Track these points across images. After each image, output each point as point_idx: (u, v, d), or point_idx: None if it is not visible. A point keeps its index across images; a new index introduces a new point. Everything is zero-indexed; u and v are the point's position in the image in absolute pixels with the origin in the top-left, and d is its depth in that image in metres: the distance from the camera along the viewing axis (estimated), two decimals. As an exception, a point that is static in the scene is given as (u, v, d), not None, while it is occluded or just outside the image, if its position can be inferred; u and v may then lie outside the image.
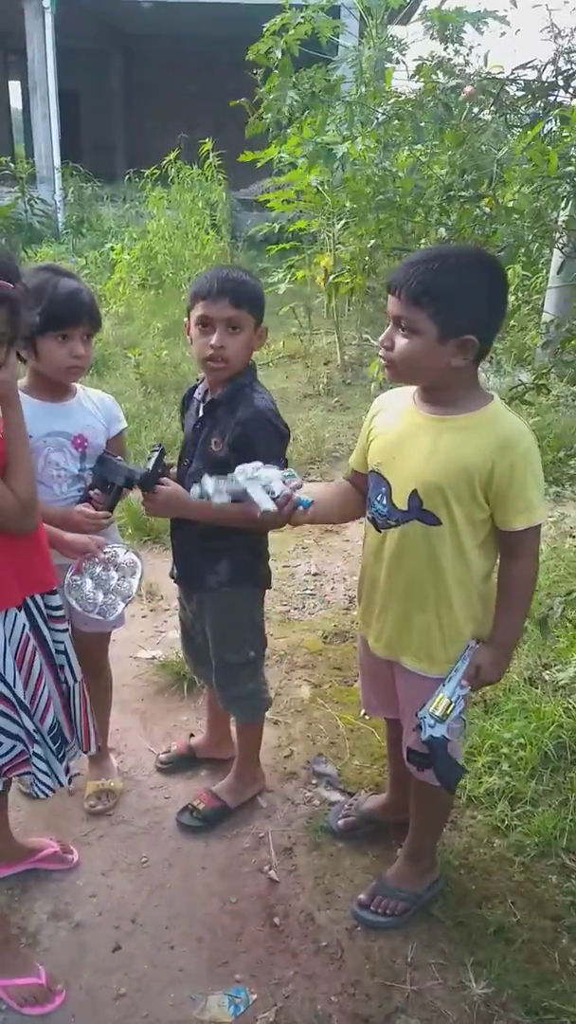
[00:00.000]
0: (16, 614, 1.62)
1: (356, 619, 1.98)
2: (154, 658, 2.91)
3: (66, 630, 1.75)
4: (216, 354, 1.89)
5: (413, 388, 1.76)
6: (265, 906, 1.98)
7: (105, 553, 1.97)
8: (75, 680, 1.78)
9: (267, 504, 1.71)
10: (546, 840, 2.12)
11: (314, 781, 2.38)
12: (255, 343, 1.96)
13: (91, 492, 2.00)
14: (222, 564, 2.01)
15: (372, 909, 1.93)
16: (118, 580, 1.98)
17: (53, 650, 1.73)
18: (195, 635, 2.22)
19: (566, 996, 1.76)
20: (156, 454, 1.93)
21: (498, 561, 1.73)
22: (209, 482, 1.72)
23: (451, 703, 1.69)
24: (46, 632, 1.70)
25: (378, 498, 1.73)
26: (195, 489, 1.74)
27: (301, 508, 1.76)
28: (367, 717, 2.58)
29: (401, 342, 1.60)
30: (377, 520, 1.75)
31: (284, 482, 1.74)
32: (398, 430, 1.72)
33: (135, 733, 2.57)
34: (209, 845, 2.15)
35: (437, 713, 1.68)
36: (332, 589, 3.47)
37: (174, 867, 2.09)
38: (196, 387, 2.10)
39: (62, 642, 1.74)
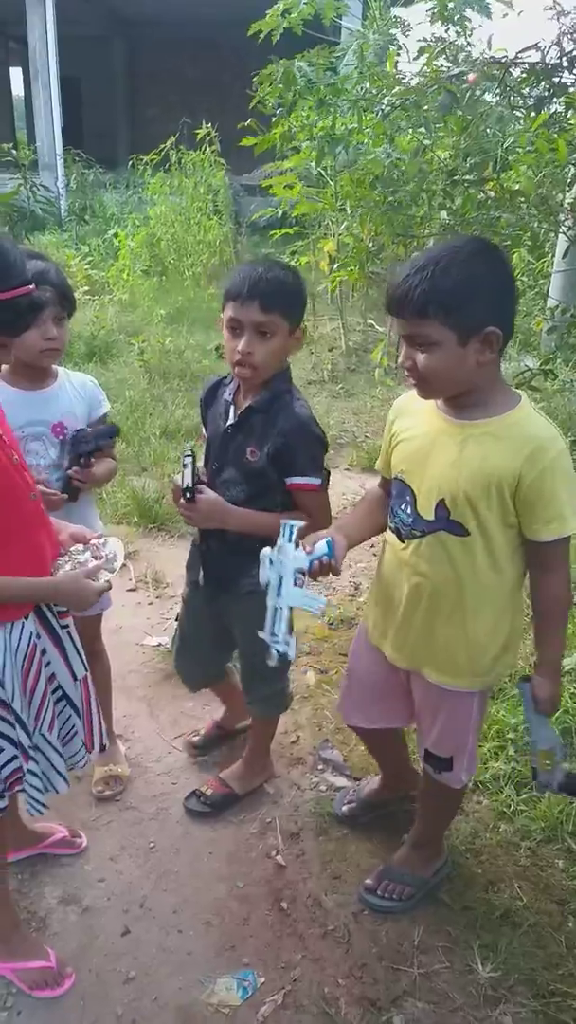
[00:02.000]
0: (23, 624, 1.59)
1: (368, 627, 1.88)
2: (160, 645, 2.92)
3: (68, 625, 1.73)
4: (244, 360, 1.80)
5: None
6: (272, 891, 2.00)
7: (92, 540, 1.92)
8: (76, 678, 1.75)
9: (315, 605, 1.59)
10: (552, 825, 2.13)
11: (320, 767, 2.39)
12: (290, 347, 1.85)
13: (70, 472, 2.00)
14: (255, 566, 1.96)
15: (379, 893, 1.94)
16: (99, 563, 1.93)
17: (64, 645, 1.71)
18: (202, 638, 2.20)
19: (573, 979, 1.77)
20: (189, 463, 1.84)
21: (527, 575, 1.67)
22: (269, 641, 1.60)
23: (551, 752, 1.67)
24: (56, 627, 1.69)
25: (402, 507, 1.67)
26: (270, 662, 1.61)
27: (327, 558, 1.61)
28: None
29: (422, 359, 1.51)
30: (400, 530, 1.68)
31: (294, 542, 1.61)
32: (422, 436, 1.64)
33: (142, 719, 2.58)
34: (216, 831, 2.16)
35: (546, 767, 1.68)
36: (352, 579, 3.47)
37: (182, 852, 2.10)
38: (222, 382, 2.01)
39: (64, 637, 1.72)
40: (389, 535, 1.75)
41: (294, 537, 1.60)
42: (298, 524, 1.62)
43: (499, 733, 2.37)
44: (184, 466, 1.85)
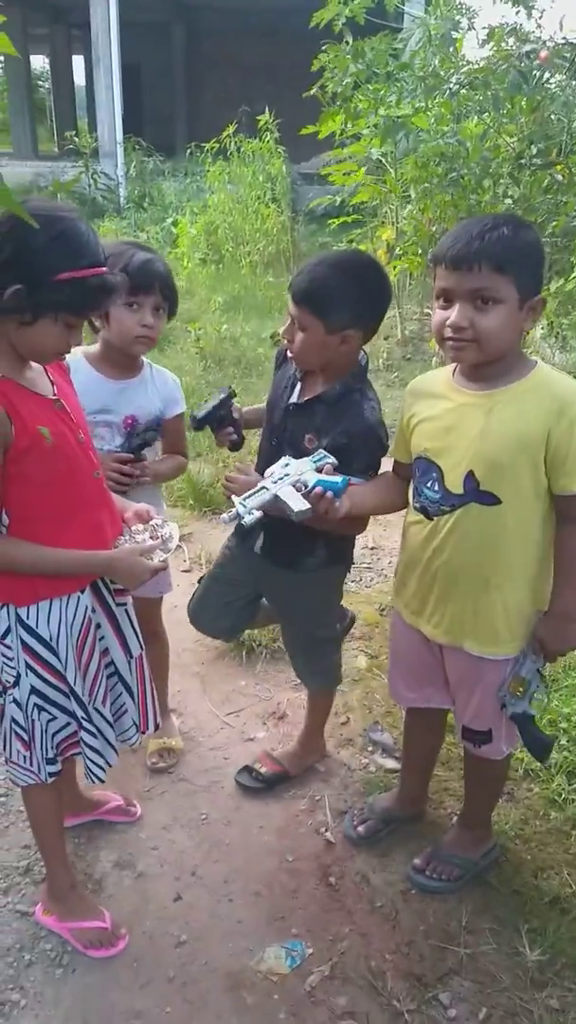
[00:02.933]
0: (79, 597, 1.62)
1: (400, 609, 1.89)
2: (213, 625, 2.96)
3: (125, 603, 1.76)
4: (287, 346, 1.87)
5: (449, 369, 1.71)
6: (321, 866, 2.03)
7: (152, 520, 1.88)
8: (132, 655, 1.78)
9: (299, 504, 1.63)
10: (604, 815, 2.12)
11: (370, 748, 2.42)
12: (334, 346, 1.79)
13: (114, 465, 2.00)
14: (320, 546, 1.98)
15: (427, 874, 1.96)
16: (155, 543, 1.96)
17: (120, 623, 1.74)
18: (230, 602, 2.19)
19: (621, 967, 1.77)
20: (222, 395, 1.94)
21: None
22: (237, 502, 1.67)
23: (525, 679, 1.70)
24: (112, 604, 1.72)
25: (428, 485, 1.68)
26: (224, 516, 1.70)
27: (332, 493, 1.65)
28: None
29: (483, 318, 1.52)
30: (428, 508, 1.69)
31: (317, 468, 1.67)
32: (445, 413, 1.66)
33: (195, 696, 2.64)
34: (267, 805, 2.20)
35: (514, 692, 1.71)
36: (389, 563, 3.48)
37: (232, 825, 2.14)
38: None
39: (121, 615, 1.75)
40: (414, 515, 1.76)
41: (322, 462, 1.70)
42: (332, 460, 1.70)
43: (552, 723, 2.36)
44: (210, 395, 1.95)
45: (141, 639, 1.81)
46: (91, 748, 1.72)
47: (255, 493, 1.68)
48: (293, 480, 1.68)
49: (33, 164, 14.24)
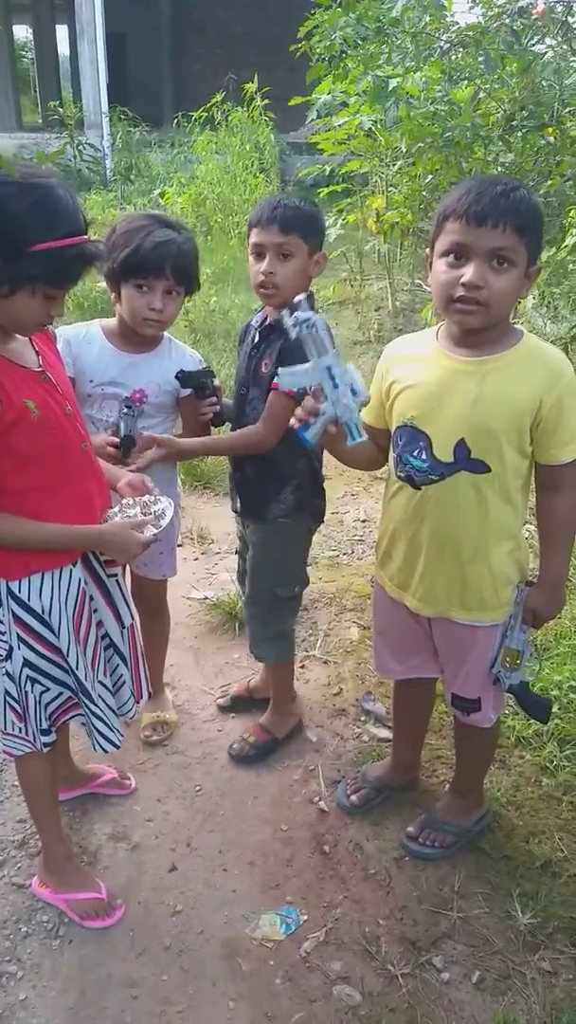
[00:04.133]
0: (71, 570, 1.62)
1: (383, 583, 1.87)
2: (206, 598, 2.96)
3: (116, 574, 1.76)
4: (267, 280, 1.89)
5: (432, 332, 1.68)
6: (315, 835, 2.04)
7: (145, 496, 1.86)
8: (124, 625, 1.78)
9: (361, 393, 1.47)
10: (595, 780, 2.13)
11: (363, 718, 2.43)
12: (311, 270, 1.93)
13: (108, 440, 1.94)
14: (286, 491, 2.03)
15: (420, 841, 1.97)
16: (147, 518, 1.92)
17: (111, 594, 1.74)
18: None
19: (612, 929, 1.79)
20: (125, 416, 1.93)
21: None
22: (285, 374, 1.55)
23: (518, 651, 1.72)
24: (103, 576, 1.71)
25: (415, 454, 1.64)
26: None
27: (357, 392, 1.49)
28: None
29: (496, 279, 1.48)
30: (415, 478, 1.66)
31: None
32: (432, 379, 1.62)
33: (189, 669, 2.64)
34: (261, 776, 2.21)
35: (508, 665, 1.73)
36: (377, 537, 3.47)
37: (227, 796, 2.15)
38: (253, 319, 2.09)
39: (112, 586, 1.75)
40: (397, 485, 1.73)
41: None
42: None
43: (543, 690, 2.37)
44: (121, 416, 1.92)
45: (132, 608, 1.82)
46: (99, 719, 1.72)
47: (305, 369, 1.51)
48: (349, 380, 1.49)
49: (17, 136, 13.97)
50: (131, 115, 12.01)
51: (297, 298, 1.52)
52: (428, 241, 1.62)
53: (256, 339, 2.00)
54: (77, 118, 11.72)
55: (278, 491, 2.03)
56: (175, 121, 10.71)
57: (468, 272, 1.48)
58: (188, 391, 2.04)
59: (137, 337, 1.98)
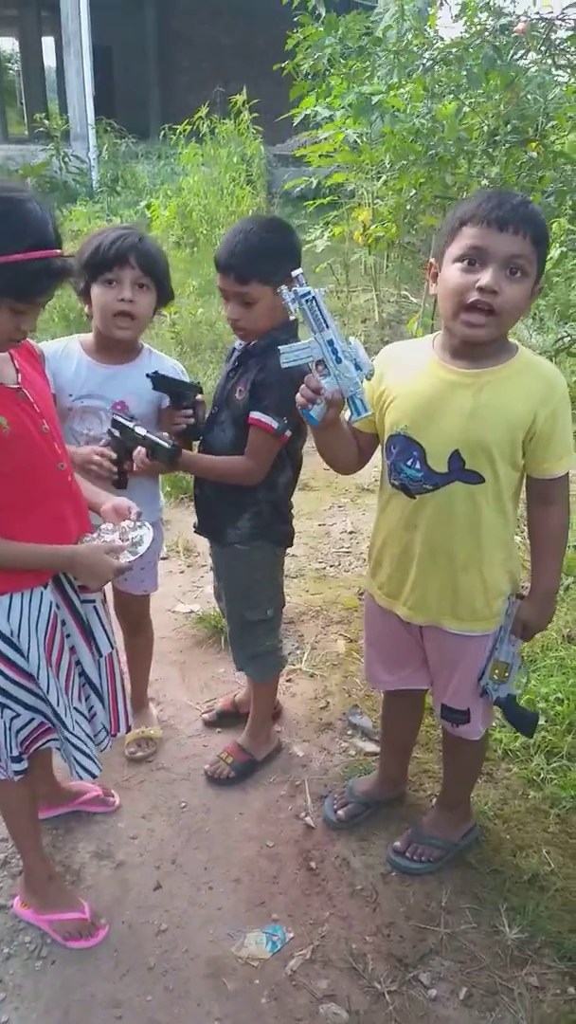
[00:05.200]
0: (42, 592, 1.58)
1: (373, 592, 1.88)
2: (191, 612, 2.95)
3: (92, 601, 1.72)
4: (233, 325, 1.89)
5: (428, 341, 1.68)
6: (301, 851, 2.02)
7: (125, 521, 1.78)
8: (101, 654, 1.74)
9: (366, 366, 1.46)
10: (582, 793, 2.13)
11: (349, 732, 2.41)
12: (281, 305, 1.78)
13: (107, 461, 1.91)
14: (243, 519, 1.99)
15: (407, 856, 1.96)
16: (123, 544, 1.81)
17: (84, 621, 1.70)
18: (221, 587, 2.23)
19: (600, 943, 1.78)
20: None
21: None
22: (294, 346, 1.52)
23: (507, 664, 1.72)
24: (76, 601, 1.67)
25: (409, 463, 1.64)
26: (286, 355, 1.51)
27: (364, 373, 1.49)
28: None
29: (510, 287, 1.48)
30: (409, 486, 1.66)
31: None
32: (426, 389, 1.62)
33: (174, 684, 2.62)
34: (246, 792, 2.20)
35: (496, 678, 1.73)
36: (368, 546, 3.47)
37: (212, 812, 2.13)
38: (236, 342, 2.05)
39: (88, 612, 1.71)
40: (391, 493, 1.73)
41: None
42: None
43: (530, 703, 2.37)
44: (111, 432, 1.90)
45: (112, 637, 1.77)
46: (75, 748, 1.69)
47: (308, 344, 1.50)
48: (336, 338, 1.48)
49: (3, 147, 13.98)
50: (117, 127, 12.03)
51: (295, 272, 1.48)
52: (413, 253, 1.62)
53: (235, 363, 1.98)
54: (63, 130, 11.71)
55: (235, 517, 1.99)
56: (162, 133, 10.73)
57: (485, 276, 1.47)
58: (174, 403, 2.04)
59: (115, 348, 1.97)
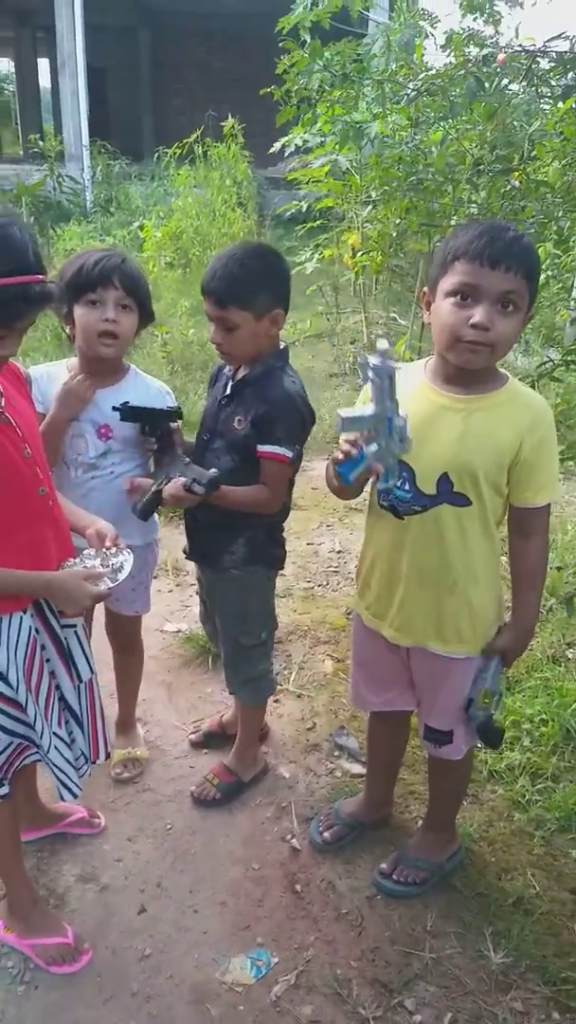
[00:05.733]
0: (21, 617, 1.57)
1: (361, 613, 1.89)
2: (179, 632, 2.95)
3: (74, 626, 1.71)
4: (218, 348, 1.91)
5: (419, 366, 1.70)
6: (287, 874, 2.02)
7: (109, 548, 1.74)
8: (81, 680, 1.73)
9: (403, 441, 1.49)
10: (567, 815, 2.13)
11: (336, 753, 2.41)
12: (267, 330, 1.87)
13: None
14: (238, 544, 1.99)
15: (393, 879, 1.96)
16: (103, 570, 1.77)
17: (65, 647, 1.69)
18: (213, 612, 2.23)
19: (584, 967, 1.78)
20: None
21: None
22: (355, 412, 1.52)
23: (491, 691, 1.75)
24: (56, 627, 1.66)
25: (399, 484, 1.66)
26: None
27: (401, 436, 1.52)
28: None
29: (502, 321, 1.50)
30: (398, 507, 1.68)
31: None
32: (418, 413, 1.60)
33: (161, 704, 2.61)
34: (232, 814, 2.19)
35: (484, 705, 1.75)
36: (356, 566, 3.48)
37: (198, 834, 2.13)
38: (226, 367, 2.05)
39: (69, 637, 1.70)
40: (379, 514, 1.75)
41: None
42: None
43: (515, 724, 2.38)
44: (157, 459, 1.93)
45: (92, 664, 1.76)
46: (58, 769, 1.69)
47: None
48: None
49: (-2, 167, 14.09)
50: (111, 148, 12.14)
51: (381, 345, 1.49)
52: (401, 276, 1.65)
53: (228, 391, 1.96)
54: (58, 151, 11.81)
55: (230, 542, 1.99)
56: (155, 155, 10.83)
57: (478, 314, 1.50)
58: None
59: (100, 370, 1.99)
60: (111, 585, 1.60)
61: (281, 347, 1.96)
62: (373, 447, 1.51)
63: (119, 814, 2.18)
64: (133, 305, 1.94)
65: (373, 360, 1.46)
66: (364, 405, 1.53)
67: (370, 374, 1.47)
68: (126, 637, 2.32)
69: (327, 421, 4.83)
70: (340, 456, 1.54)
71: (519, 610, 1.73)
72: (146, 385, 2.08)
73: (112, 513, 1.84)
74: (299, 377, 1.96)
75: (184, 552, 2.15)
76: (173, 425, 1.97)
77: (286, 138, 5.35)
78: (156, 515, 2.20)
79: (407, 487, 1.66)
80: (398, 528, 1.71)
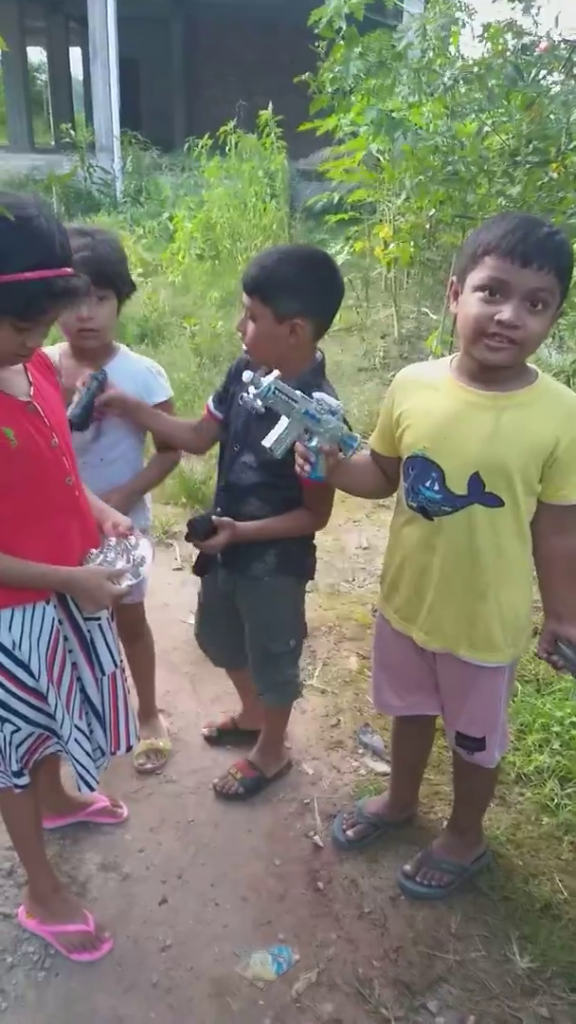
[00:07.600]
0: (44, 608, 1.56)
1: (388, 616, 1.84)
2: (204, 624, 2.93)
3: (98, 619, 1.68)
4: (241, 332, 1.84)
5: (446, 363, 1.66)
6: (309, 870, 2.00)
7: (128, 539, 1.74)
8: (104, 673, 1.72)
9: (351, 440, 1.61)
10: (596, 820, 2.09)
11: (360, 751, 2.39)
12: (286, 338, 1.78)
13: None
14: (271, 553, 1.95)
15: (417, 880, 1.94)
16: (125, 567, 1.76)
17: (87, 639, 1.68)
18: (218, 617, 2.18)
19: (612, 976, 1.75)
20: (95, 383, 1.90)
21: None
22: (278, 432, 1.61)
23: None
24: (80, 619, 1.65)
25: (427, 484, 1.62)
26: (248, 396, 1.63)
27: (343, 445, 1.64)
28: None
29: (532, 320, 1.46)
30: (428, 508, 1.63)
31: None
32: (445, 410, 1.59)
33: (185, 696, 2.61)
34: (255, 808, 2.18)
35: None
36: (382, 568, 3.44)
37: (220, 828, 2.12)
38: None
39: (93, 630, 1.68)
40: (407, 515, 1.71)
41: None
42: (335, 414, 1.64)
43: (544, 726, 2.34)
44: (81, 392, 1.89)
45: (116, 656, 1.75)
46: (78, 761, 1.68)
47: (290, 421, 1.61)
48: (310, 409, 1.61)
49: (29, 157, 14.14)
50: (142, 139, 12.15)
51: (245, 377, 1.58)
52: (433, 270, 1.62)
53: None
54: (89, 141, 11.85)
55: (262, 551, 1.95)
56: (186, 145, 10.82)
57: (506, 311, 1.46)
58: (163, 399, 2.08)
59: (87, 353, 1.98)
60: (133, 581, 1.59)
61: (318, 357, 1.88)
62: (314, 442, 1.60)
63: (141, 804, 2.18)
64: (109, 293, 1.91)
65: (251, 391, 1.58)
66: (279, 423, 1.62)
67: (257, 403, 1.58)
68: (131, 626, 2.29)
69: (354, 416, 4.81)
70: (303, 472, 1.63)
71: (565, 602, 1.64)
72: (135, 364, 2.06)
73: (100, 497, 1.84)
74: (334, 390, 1.86)
75: (193, 570, 2.05)
76: (103, 380, 1.93)
77: (315, 124, 5.31)
78: (149, 504, 2.26)
79: (436, 487, 1.61)
80: (428, 530, 1.66)
